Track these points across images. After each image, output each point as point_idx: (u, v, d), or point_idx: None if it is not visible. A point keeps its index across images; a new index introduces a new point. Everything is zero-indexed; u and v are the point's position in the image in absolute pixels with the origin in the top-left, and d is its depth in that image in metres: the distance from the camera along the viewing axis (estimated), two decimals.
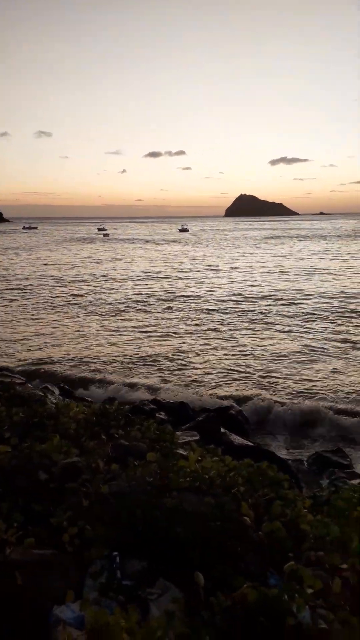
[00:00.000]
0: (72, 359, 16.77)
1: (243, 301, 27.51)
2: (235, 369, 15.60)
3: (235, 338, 19.64)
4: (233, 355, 17.18)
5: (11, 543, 2.87)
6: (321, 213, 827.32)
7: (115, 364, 16.51)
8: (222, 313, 24.40)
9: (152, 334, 20.57)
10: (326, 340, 19.18)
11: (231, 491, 3.49)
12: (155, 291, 31.56)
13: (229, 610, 2.36)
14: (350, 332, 20.54)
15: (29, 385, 10.08)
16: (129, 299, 28.98)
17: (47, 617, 2.43)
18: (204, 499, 3.32)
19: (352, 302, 26.18)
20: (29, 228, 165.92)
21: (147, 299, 28.67)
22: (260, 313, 24.18)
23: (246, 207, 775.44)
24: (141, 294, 30.64)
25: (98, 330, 21.45)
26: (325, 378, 14.64)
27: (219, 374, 15.13)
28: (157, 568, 2.90)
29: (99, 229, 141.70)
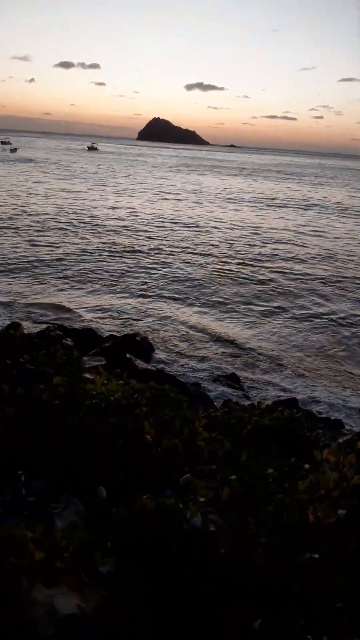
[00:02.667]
0: None
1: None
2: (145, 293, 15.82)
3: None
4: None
5: None
6: (232, 145, 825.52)
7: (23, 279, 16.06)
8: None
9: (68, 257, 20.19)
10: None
11: (134, 411, 3.67)
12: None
13: (129, 518, 2.57)
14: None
15: None
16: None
17: None
18: (108, 419, 3.47)
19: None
20: None
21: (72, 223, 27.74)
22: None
23: (159, 131, 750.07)
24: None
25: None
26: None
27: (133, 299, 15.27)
28: (62, 485, 3.05)
29: (2, 142, 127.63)
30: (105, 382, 4.21)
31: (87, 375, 4.40)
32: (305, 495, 2.79)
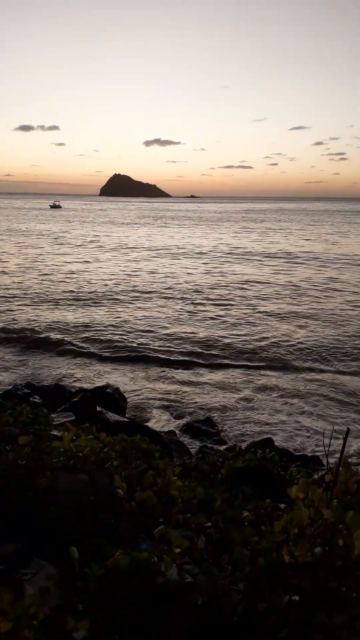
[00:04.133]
0: None
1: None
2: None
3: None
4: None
5: None
6: (192, 196, 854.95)
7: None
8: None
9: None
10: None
11: (105, 466, 3.60)
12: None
13: (102, 577, 2.48)
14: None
15: None
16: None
17: None
18: (78, 476, 3.39)
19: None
20: None
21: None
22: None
23: (121, 186, 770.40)
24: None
25: None
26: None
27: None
28: (32, 548, 2.93)
29: None
30: (74, 437, 4.14)
31: (55, 432, 4.32)
32: (282, 535, 2.76)
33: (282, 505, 3.54)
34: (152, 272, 31.40)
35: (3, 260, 34.58)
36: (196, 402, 11.13)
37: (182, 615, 2.19)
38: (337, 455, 2.86)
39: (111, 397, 9.21)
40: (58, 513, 3.04)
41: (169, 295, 23.94)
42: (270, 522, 3.01)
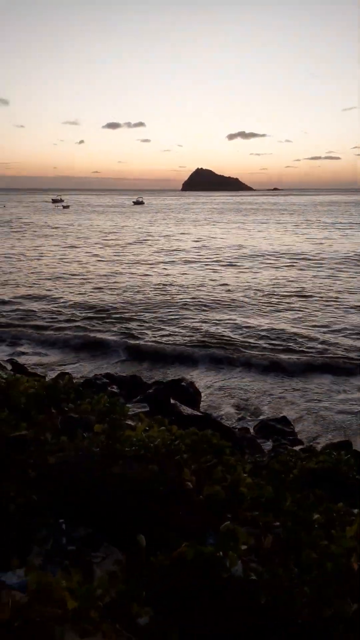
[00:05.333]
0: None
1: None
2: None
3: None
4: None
5: None
6: (275, 189, 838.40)
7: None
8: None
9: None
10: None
11: (175, 458, 3.65)
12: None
13: (167, 567, 2.52)
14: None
15: None
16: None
17: None
18: (148, 466, 3.46)
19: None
20: None
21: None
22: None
23: (203, 181, 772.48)
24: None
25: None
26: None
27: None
28: (102, 533, 3.04)
29: (54, 200, 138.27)
30: (147, 428, 4.22)
31: (129, 422, 4.43)
32: (353, 541, 2.67)
33: (356, 510, 3.41)
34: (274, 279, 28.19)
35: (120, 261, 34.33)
36: (273, 401, 10.97)
37: (243, 613, 2.18)
38: None
39: (185, 390, 9.29)
40: (128, 501, 3.12)
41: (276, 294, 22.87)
42: (341, 527, 2.91)
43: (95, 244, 43.01)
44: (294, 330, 16.73)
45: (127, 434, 3.92)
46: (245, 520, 3.14)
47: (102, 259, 33.24)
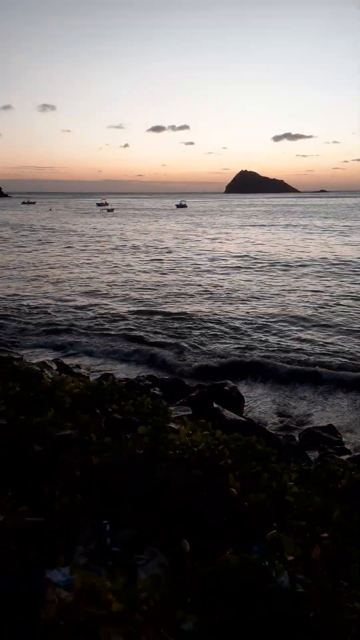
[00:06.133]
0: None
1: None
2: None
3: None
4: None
5: (5, 511, 2.99)
6: (322, 191, 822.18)
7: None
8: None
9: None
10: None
11: (219, 463, 3.60)
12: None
13: (211, 574, 2.48)
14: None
15: (27, 361, 10.18)
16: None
17: (40, 580, 2.55)
18: (192, 471, 3.43)
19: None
20: (27, 203, 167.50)
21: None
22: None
23: (246, 183, 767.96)
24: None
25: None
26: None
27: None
28: (147, 536, 3.02)
29: (98, 204, 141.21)
30: (190, 432, 4.19)
31: (172, 425, 4.41)
32: None
33: None
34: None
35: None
36: (319, 410, 10.72)
37: (290, 627, 2.11)
38: None
39: (228, 395, 9.21)
40: (172, 505, 3.10)
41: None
42: None
43: (142, 248, 43.32)
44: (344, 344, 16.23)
45: (170, 437, 3.90)
46: (292, 530, 3.06)
47: (149, 265, 33.41)
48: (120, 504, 3.15)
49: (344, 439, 8.87)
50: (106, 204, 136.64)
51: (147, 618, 2.07)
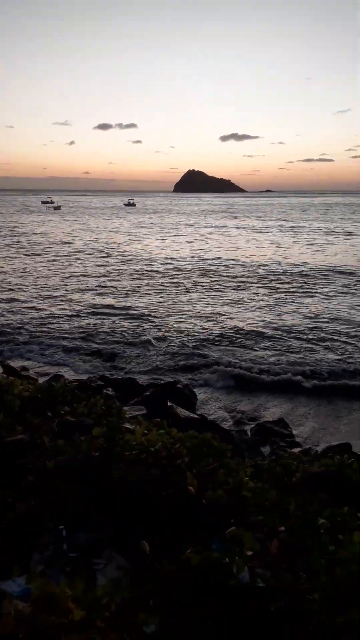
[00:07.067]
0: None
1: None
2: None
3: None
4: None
5: None
6: (268, 190, 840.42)
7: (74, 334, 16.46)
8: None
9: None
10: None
11: (176, 462, 3.58)
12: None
13: (172, 574, 2.45)
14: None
15: None
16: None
17: None
18: (150, 471, 3.39)
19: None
20: None
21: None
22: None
23: (194, 182, 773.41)
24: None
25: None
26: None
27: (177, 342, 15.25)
28: (104, 539, 2.97)
29: (43, 202, 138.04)
30: (146, 432, 4.15)
31: (127, 425, 4.36)
32: None
33: None
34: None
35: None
36: (270, 404, 10.93)
37: (253, 620, 2.12)
38: None
39: (181, 393, 9.23)
40: (129, 506, 3.05)
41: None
42: (348, 532, 2.86)
43: (90, 248, 42.68)
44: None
45: (126, 437, 3.85)
46: (250, 524, 3.08)
47: (99, 266, 32.92)
48: (77, 508, 3.07)
49: (294, 432, 9.07)
50: (52, 202, 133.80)
51: (109, 623, 2.02)
